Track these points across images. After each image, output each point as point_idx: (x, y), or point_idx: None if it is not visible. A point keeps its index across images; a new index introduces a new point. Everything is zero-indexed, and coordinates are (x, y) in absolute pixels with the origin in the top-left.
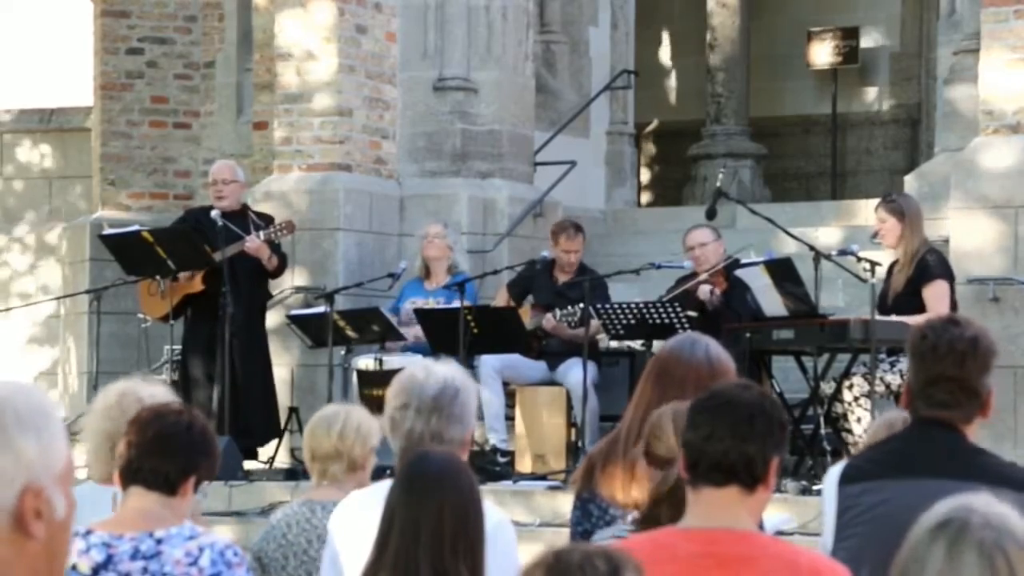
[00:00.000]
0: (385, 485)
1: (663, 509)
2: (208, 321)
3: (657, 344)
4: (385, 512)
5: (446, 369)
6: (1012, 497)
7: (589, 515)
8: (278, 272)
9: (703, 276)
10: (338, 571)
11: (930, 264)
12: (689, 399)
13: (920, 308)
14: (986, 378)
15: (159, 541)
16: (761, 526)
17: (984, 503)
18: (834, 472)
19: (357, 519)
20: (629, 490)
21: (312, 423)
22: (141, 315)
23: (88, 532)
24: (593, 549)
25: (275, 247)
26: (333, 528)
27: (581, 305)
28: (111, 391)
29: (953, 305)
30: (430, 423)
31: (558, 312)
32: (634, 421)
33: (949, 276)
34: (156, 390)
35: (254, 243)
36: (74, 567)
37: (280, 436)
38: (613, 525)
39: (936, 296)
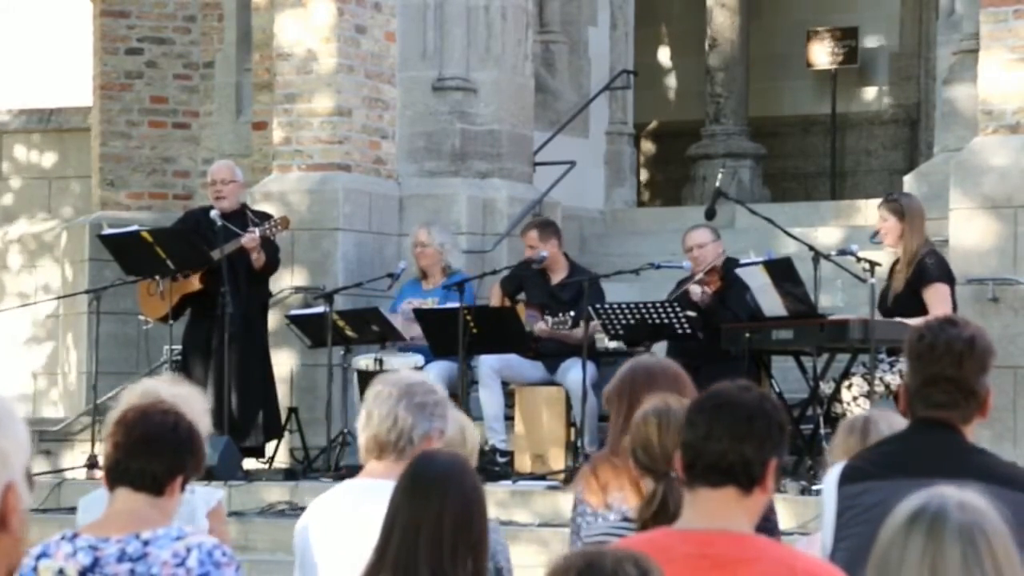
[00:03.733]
0: (349, 485)
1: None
2: (207, 321)
3: (656, 346)
4: (388, 512)
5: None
6: (1012, 497)
7: (586, 520)
8: (267, 270)
9: (698, 276)
10: (305, 571)
11: (928, 267)
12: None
13: (920, 309)
14: (984, 378)
15: (146, 543)
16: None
17: (956, 491)
18: (834, 472)
19: (324, 519)
20: (619, 492)
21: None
22: (142, 317)
23: (75, 535)
24: (623, 554)
25: (271, 246)
26: (299, 528)
27: (572, 313)
28: (134, 391)
29: (954, 308)
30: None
31: (550, 320)
32: (615, 430)
33: (949, 278)
34: (179, 390)
35: (252, 240)
36: (60, 571)
37: (280, 436)
38: (602, 522)
39: (936, 299)
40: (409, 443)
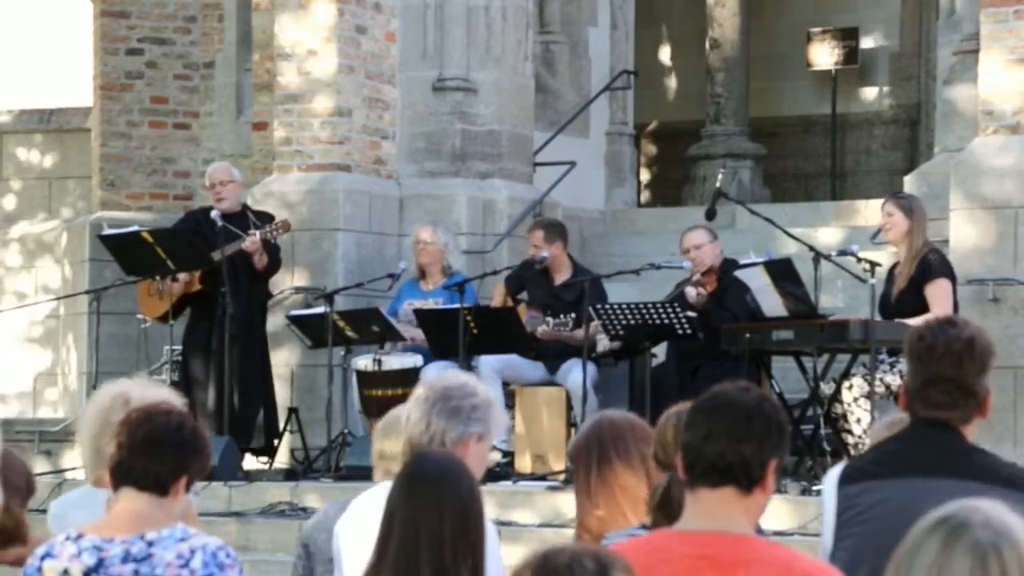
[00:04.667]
0: (385, 488)
1: (659, 518)
2: (207, 321)
3: (657, 348)
4: (386, 513)
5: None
6: (1013, 497)
7: None
8: (268, 272)
9: (696, 277)
10: (340, 571)
11: (932, 263)
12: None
13: (923, 306)
14: (983, 379)
15: (150, 544)
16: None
17: (989, 505)
18: (834, 473)
19: (363, 520)
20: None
21: (384, 424)
22: (140, 316)
23: (79, 536)
24: (581, 549)
25: (272, 247)
26: (339, 529)
27: (573, 315)
28: (103, 394)
29: (955, 305)
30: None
31: (551, 321)
32: (583, 488)
33: (951, 275)
34: (149, 392)
35: (254, 243)
36: (65, 571)
37: (279, 436)
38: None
39: (938, 294)
40: (442, 447)
